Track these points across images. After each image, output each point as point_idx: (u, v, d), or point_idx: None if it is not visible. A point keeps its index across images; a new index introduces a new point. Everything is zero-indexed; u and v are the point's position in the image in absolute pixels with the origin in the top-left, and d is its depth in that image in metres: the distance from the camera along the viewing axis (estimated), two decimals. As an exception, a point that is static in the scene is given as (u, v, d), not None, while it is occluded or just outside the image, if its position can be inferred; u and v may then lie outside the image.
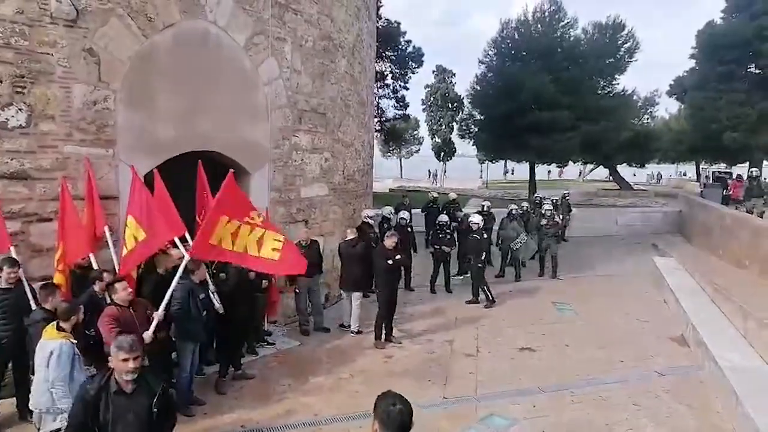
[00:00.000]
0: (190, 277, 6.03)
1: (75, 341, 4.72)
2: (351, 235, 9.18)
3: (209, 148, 7.71)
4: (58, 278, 5.86)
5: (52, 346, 4.54)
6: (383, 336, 8.44)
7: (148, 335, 5.29)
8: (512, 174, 60.70)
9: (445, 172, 50.32)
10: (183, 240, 6.22)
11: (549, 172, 52.88)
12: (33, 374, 5.09)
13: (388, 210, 12.47)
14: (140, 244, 5.37)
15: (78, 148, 6.27)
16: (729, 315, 8.59)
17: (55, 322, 4.71)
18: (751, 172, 17.31)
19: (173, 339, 6.17)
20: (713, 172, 28.77)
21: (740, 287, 9.73)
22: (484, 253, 10.79)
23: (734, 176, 25.89)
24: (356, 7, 11.14)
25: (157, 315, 5.45)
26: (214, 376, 7.09)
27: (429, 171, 52.92)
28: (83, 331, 5.22)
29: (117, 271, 5.97)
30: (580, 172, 57.98)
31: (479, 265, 10.64)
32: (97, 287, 5.79)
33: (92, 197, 6.22)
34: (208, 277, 6.56)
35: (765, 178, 24.15)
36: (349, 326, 9.01)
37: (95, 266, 5.97)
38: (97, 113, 6.38)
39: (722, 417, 6.14)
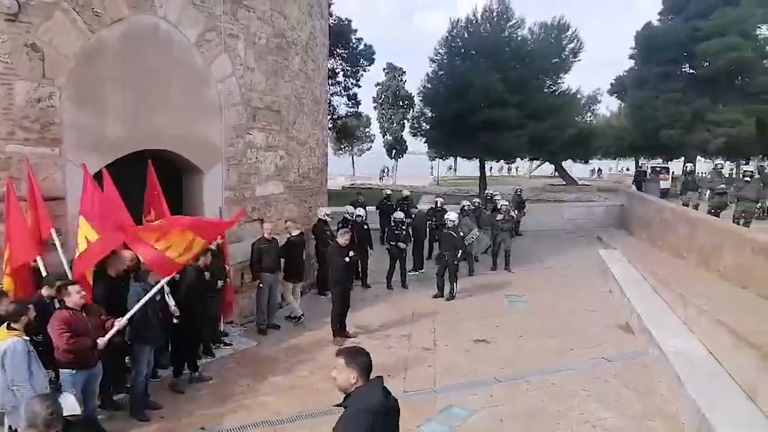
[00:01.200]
0: (146, 280, 5.88)
1: (27, 338, 4.66)
2: (296, 231, 9.42)
3: (161, 146, 7.52)
4: (6, 282, 5.61)
5: (4, 346, 4.49)
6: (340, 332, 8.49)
7: (102, 341, 5.18)
8: (454, 171, 61.70)
9: (393, 169, 50.40)
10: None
11: (491, 168, 53.98)
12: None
13: (348, 209, 12.43)
14: (92, 245, 5.19)
15: (21, 147, 5.97)
16: (670, 303, 9.03)
17: (6, 323, 4.64)
18: (686, 167, 18.23)
19: (128, 343, 6.01)
20: (637, 169, 30.11)
21: (679, 277, 10.23)
22: (459, 249, 11.10)
23: (649, 171, 27.21)
24: (309, 4, 11.07)
25: (120, 323, 5.30)
26: (169, 379, 6.96)
27: (386, 167, 52.53)
28: (31, 336, 5.04)
29: (69, 274, 5.75)
30: (509, 168, 59.50)
31: (455, 262, 10.93)
32: (45, 292, 5.59)
33: (35, 199, 5.95)
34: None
35: (699, 173, 25.53)
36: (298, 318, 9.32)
37: (43, 270, 5.73)
38: (41, 111, 6.10)
39: (666, 399, 6.50)
